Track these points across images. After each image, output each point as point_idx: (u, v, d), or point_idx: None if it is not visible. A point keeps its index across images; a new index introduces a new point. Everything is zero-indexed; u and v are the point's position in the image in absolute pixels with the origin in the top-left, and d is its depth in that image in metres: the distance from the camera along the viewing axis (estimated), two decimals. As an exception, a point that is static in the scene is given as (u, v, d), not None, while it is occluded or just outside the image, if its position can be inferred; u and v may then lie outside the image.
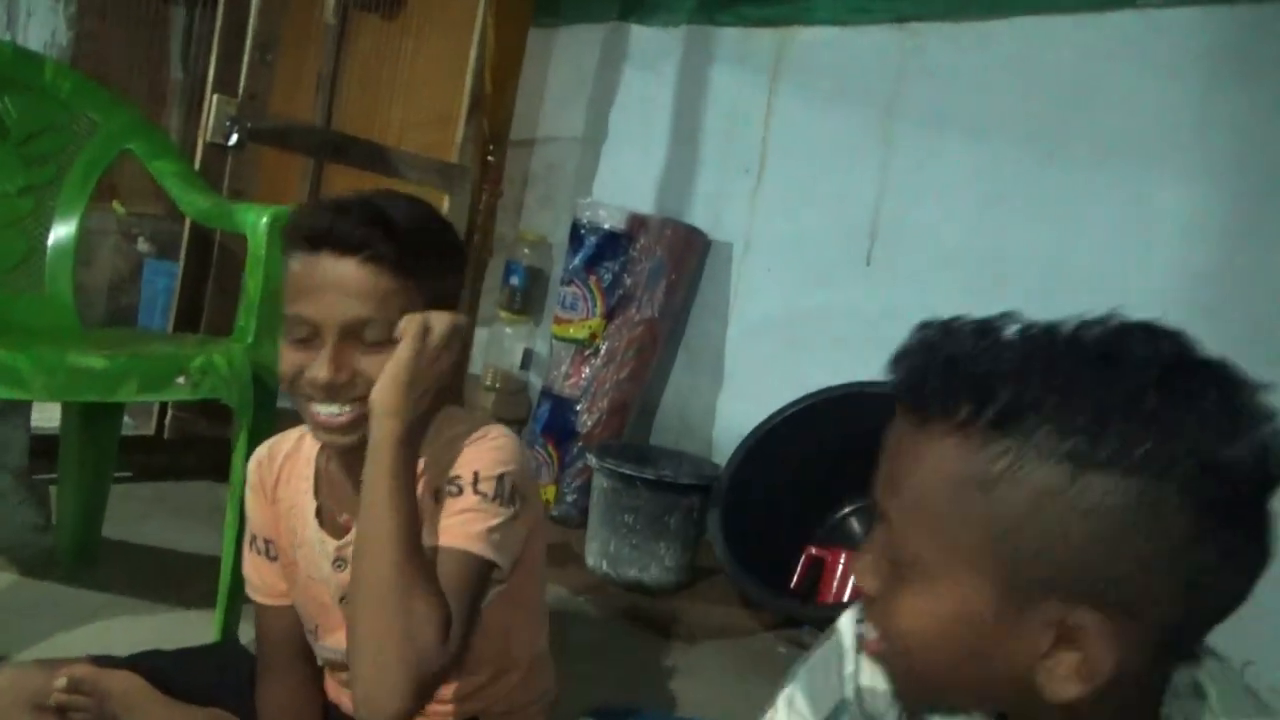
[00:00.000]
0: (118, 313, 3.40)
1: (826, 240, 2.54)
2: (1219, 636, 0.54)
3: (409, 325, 0.89)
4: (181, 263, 2.34)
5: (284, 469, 1.05)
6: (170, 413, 2.30)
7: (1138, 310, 0.53)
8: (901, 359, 0.54)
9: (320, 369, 0.89)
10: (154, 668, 1.07)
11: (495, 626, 1.01)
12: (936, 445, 0.52)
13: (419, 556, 0.88)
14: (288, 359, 0.92)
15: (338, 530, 1.01)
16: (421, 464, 0.95)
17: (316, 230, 0.90)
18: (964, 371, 0.51)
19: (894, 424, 0.57)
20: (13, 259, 1.59)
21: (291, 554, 1.04)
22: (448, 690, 1.02)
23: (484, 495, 0.92)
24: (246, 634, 1.53)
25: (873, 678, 0.65)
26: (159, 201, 3.67)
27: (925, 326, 0.55)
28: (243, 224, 1.53)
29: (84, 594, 1.66)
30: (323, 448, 1.03)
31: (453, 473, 0.93)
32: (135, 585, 1.71)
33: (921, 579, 0.53)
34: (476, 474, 0.92)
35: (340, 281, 0.89)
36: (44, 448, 1.82)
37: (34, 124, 1.64)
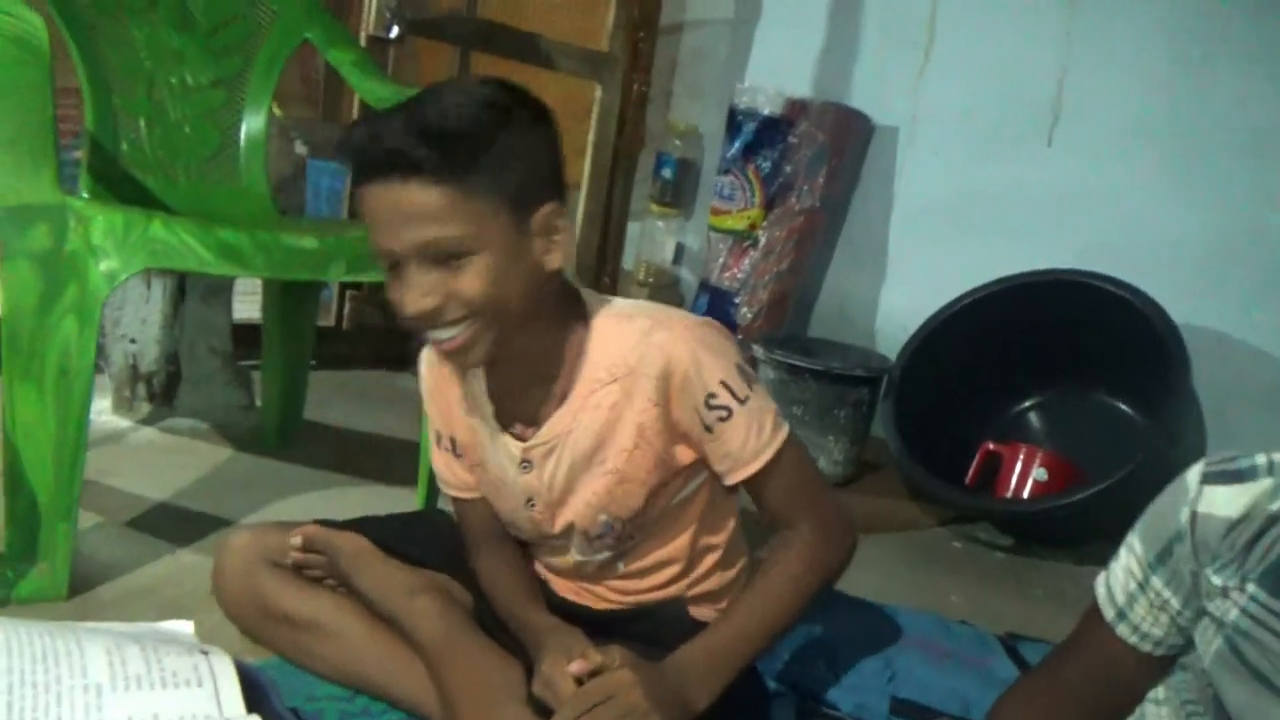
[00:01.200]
0: (287, 212, 3.52)
1: (1002, 117, 2.37)
2: None
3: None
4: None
5: (454, 371, 1.02)
6: (348, 304, 2.39)
7: None
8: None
9: (404, 300, 0.85)
10: (373, 531, 1.12)
11: (695, 510, 1.02)
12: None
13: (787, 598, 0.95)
14: (390, 291, 0.87)
15: (518, 432, 0.99)
16: (606, 371, 0.93)
17: (354, 158, 0.84)
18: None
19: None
20: (208, 150, 1.64)
21: (478, 454, 1.03)
22: (651, 577, 1.03)
23: (746, 399, 0.91)
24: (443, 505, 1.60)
25: (1209, 504, 0.68)
26: (314, 105, 3.75)
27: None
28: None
29: (292, 468, 1.76)
30: None
31: (702, 394, 0.90)
32: (337, 462, 1.81)
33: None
34: (725, 384, 0.90)
35: (394, 206, 0.82)
36: (243, 335, 1.92)
37: (220, 15, 1.67)
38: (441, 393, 1.04)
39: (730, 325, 2.57)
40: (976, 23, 2.44)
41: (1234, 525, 0.66)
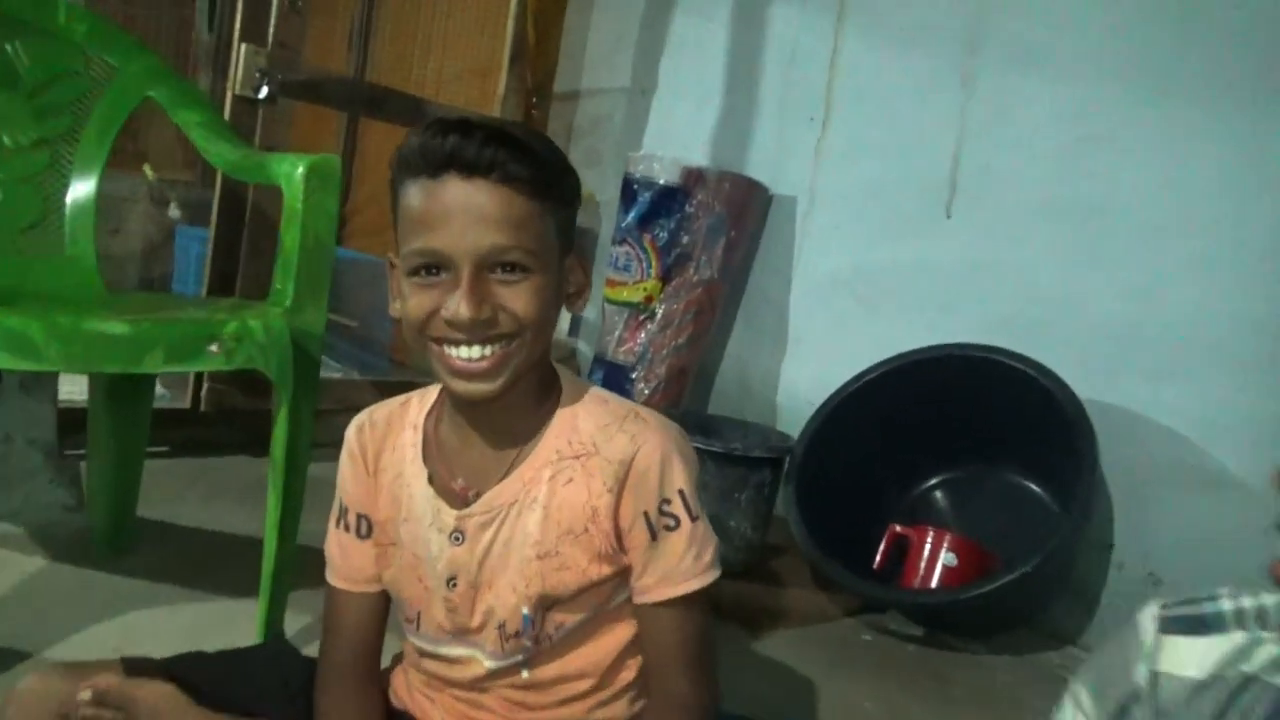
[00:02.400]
0: (150, 282, 3.29)
1: (901, 192, 2.34)
2: None
3: None
4: (213, 225, 2.20)
5: (388, 435, 0.94)
6: (206, 384, 2.17)
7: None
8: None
9: (460, 305, 0.79)
10: (193, 673, 0.95)
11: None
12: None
13: None
14: (416, 301, 0.81)
15: (455, 499, 0.89)
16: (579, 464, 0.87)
17: (441, 151, 0.79)
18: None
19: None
20: (28, 218, 1.45)
21: (393, 531, 0.92)
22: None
23: (696, 519, 0.87)
24: (293, 625, 1.41)
25: (1171, 661, 0.58)
26: (191, 167, 3.55)
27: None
28: (277, 175, 1.38)
29: (117, 580, 1.54)
30: (430, 411, 0.93)
31: (658, 497, 0.86)
32: (172, 571, 1.59)
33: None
34: (683, 494, 0.86)
35: (473, 206, 0.79)
36: (73, 422, 1.70)
37: (47, 71, 1.50)
38: (365, 459, 0.94)
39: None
40: (872, 97, 2.42)
41: (1201, 688, 0.57)
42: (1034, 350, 1.94)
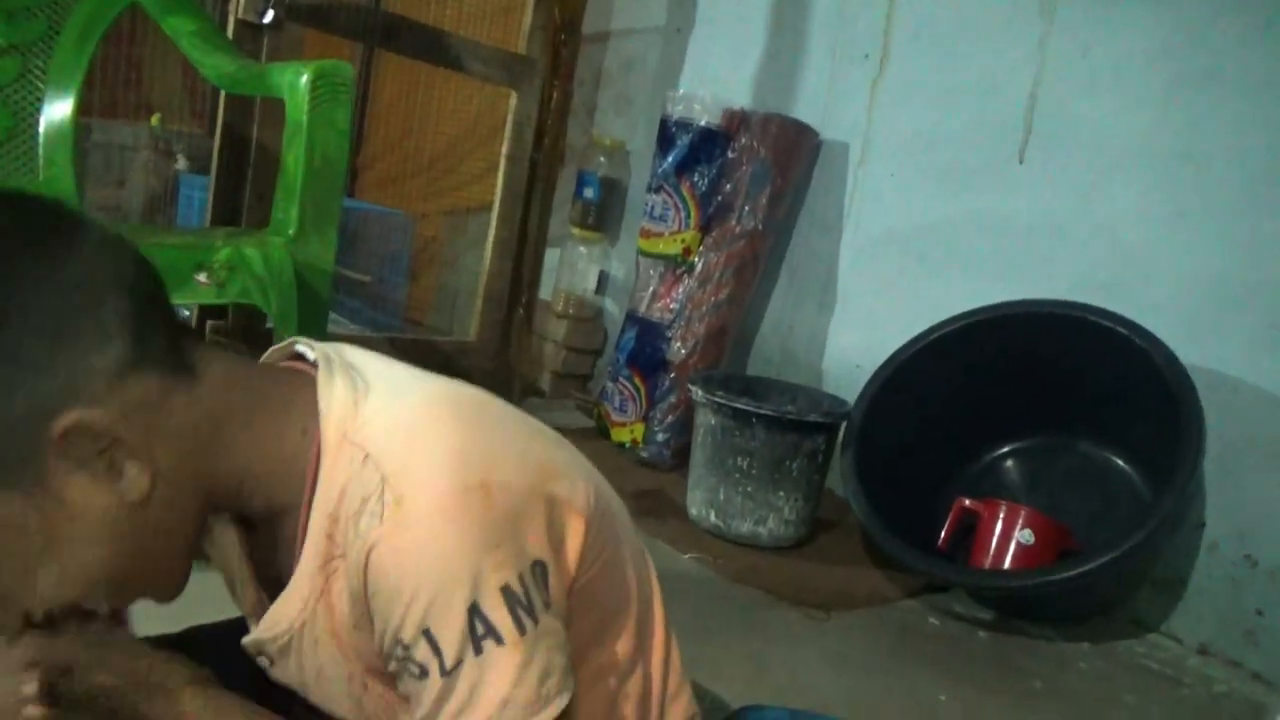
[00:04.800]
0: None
1: (968, 137, 2.12)
2: None
3: None
4: (214, 166, 2.01)
5: None
6: (207, 336, 1.99)
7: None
8: None
9: None
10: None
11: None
12: None
13: None
14: None
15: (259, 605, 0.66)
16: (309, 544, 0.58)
17: None
18: None
19: None
20: (-5, 134, 1.27)
21: None
22: None
23: (456, 667, 0.54)
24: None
25: None
26: (200, 119, 3.37)
27: None
28: (279, 86, 1.19)
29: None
30: None
31: (393, 631, 0.55)
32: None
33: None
34: (428, 635, 0.54)
35: None
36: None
37: (18, -33, 1.30)
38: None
39: (661, 362, 2.25)
40: (936, 31, 2.20)
41: None
42: (1116, 311, 1.74)
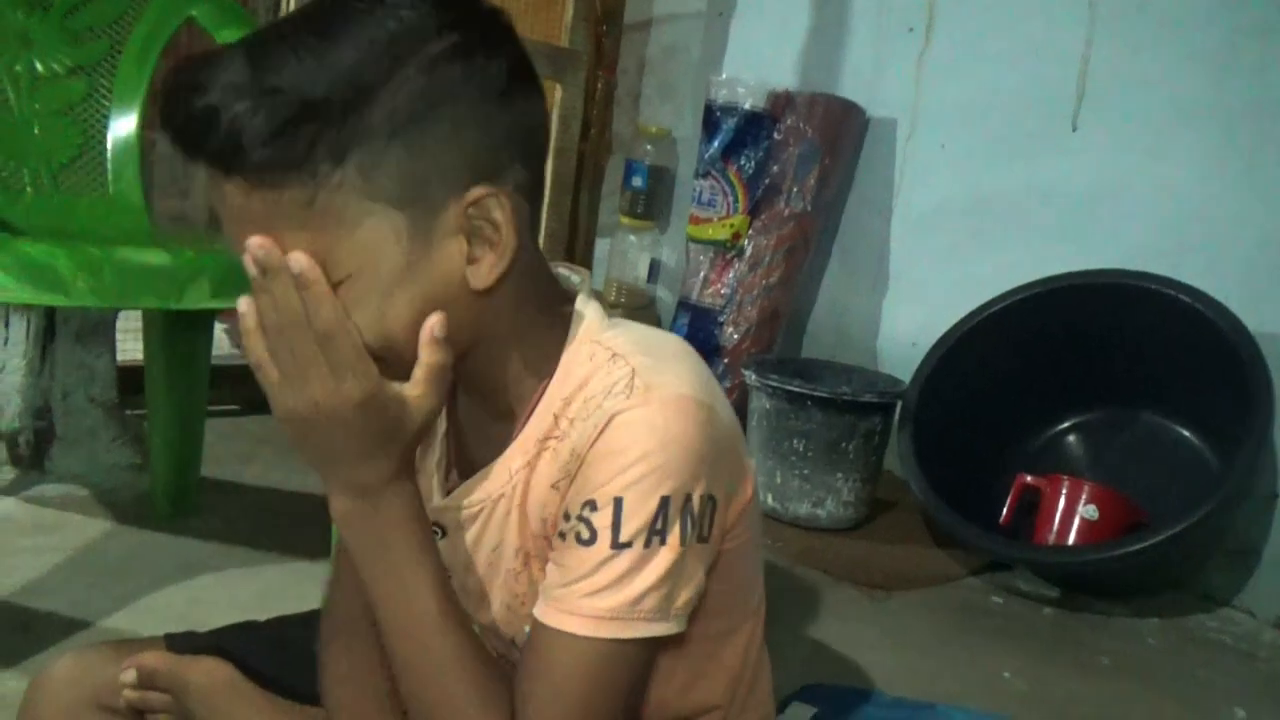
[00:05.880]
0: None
1: (1017, 105, 2.08)
2: None
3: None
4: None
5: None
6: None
7: None
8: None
9: None
10: (246, 648, 0.81)
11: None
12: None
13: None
14: None
15: (445, 485, 0.71)
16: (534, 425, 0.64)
17: (171, 132, 0.56)
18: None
19: None
20: (67, 153, 1.33)
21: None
22: None
23: (626, 545, 0.58)
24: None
25: None
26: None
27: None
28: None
29: (184, 543, 1.44)
30: None
31: (584, 495, 0.59)
32: (239, 534, 1.48)
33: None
34: (619, 508, 0.58)
35: (225, 207, 0.57)
36: (132, 379, 1.60)
37: (81, -10, 1.36)
38: None
39: (714, 348, 2.26)
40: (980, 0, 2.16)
41: None
42: (1179, 279, 1.70)
